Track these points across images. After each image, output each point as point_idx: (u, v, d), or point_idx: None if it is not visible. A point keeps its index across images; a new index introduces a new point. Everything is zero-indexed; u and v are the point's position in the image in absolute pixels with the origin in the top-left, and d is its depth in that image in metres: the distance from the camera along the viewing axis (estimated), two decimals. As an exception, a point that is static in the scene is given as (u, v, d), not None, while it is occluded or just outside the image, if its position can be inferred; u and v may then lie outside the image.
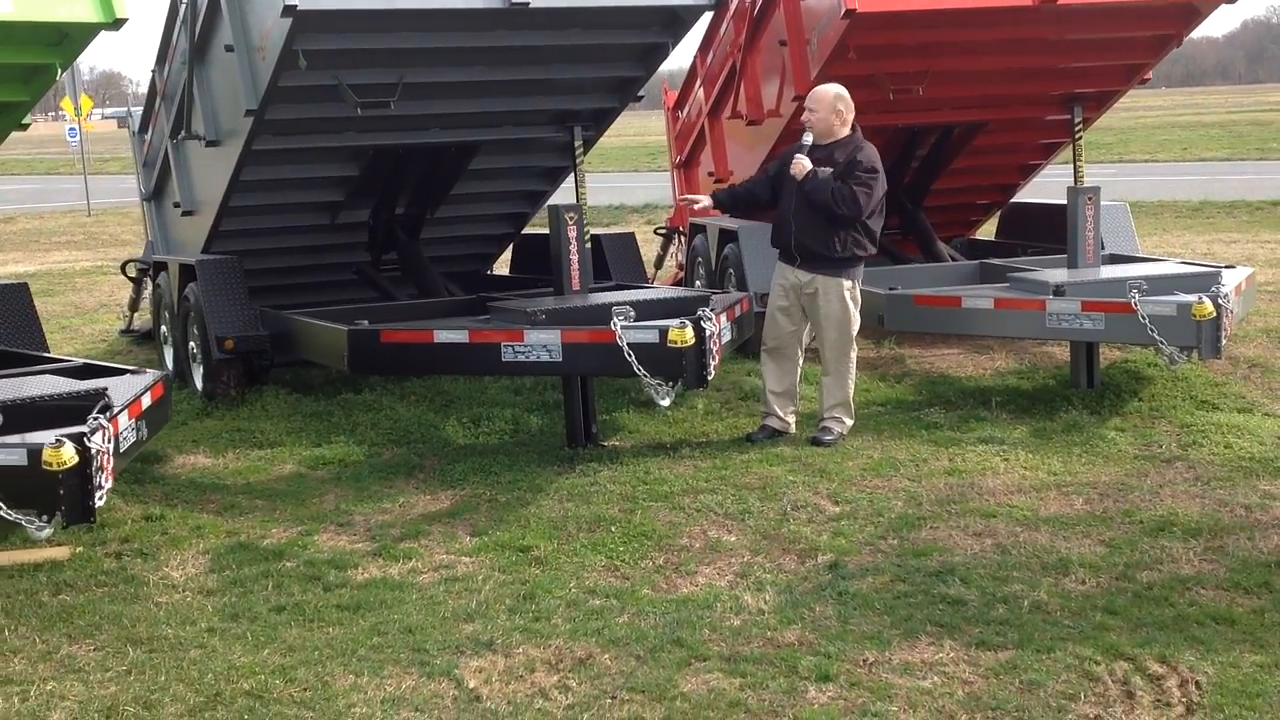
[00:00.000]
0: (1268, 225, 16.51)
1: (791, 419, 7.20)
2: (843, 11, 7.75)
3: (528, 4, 7.00)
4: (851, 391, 7.18)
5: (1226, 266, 8.17)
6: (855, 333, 7.14)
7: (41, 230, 22.78)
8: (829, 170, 6.86)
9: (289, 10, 6.60)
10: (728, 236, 9.37)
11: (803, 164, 6.90)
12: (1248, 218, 17.49)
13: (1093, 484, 6.17)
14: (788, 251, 7.08)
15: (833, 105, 6.97)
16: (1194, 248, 14.34)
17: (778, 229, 7.15)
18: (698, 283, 9.94)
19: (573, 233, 7.58)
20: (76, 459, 4.85)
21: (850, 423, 7.16)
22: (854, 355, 7.17)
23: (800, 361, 7.24)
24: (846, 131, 7.02)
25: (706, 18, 9.03)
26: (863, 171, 6.87)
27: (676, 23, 7.77)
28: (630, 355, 6.32)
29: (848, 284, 7.04)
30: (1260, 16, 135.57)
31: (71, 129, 32.32)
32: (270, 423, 7.81)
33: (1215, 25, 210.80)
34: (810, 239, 6.95)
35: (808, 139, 7.01)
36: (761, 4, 9.16)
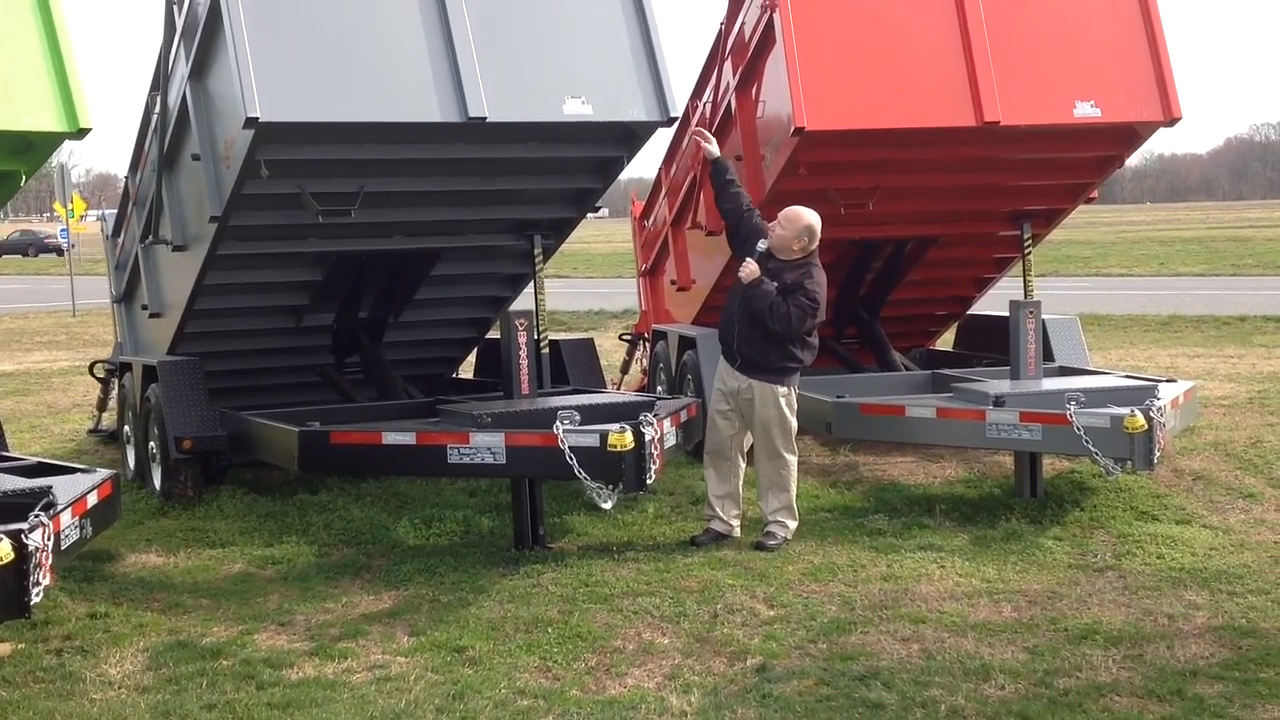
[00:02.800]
0: (1232, 339, 16.76)
1: (736, 522, 7.30)
2: (792, 129, 8.01)
3: (485, 119, 7.21)
4: (793, 495, 7.29)
5: (1167, 380, 8.35)
6: (793, 437, 7.26)
7: (25, 330, 22.97)
8: (773, 285, 7.03)
9: (250, 122, 6.81)
10: (687, 343, 9.56)
11: (751, 268, 7.08)
12: (1214, 332, 17.76)
13: (1023, 591, 6.27)
14: (727, 348, 7.27)
15: (799, 234, 7.11)
16: (1158, 361, 14.56)
17: (723, 326, 7.34)
18: (659, 388, 10.11)
19: (523, 338, 7.76)
20: (13, 555, 4.94)
21: (794, 525, 7.26)
22: (792, 460, 7.27)
23: (742, 465, 7.37)
24: (798, 256, 7.19)
25: (668, 131, 9.31)
26: (805, 296, 7.02)
27: (631, 137, 7.99)
28: (572, 458, 6.45)
29: (782, 390, 7.18)
30: (1244, 134, 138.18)
31: (63, 230, 32.74)
32: (225, 522, 7.90)
33: (1198, 142, 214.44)
34: (747, 344, 7.13)
35: (763, 245, 7.18)
36: (719, 120, 9.45)
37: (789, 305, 6.97)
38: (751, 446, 7.32)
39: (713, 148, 7.58)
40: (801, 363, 7.17)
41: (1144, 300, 22.23)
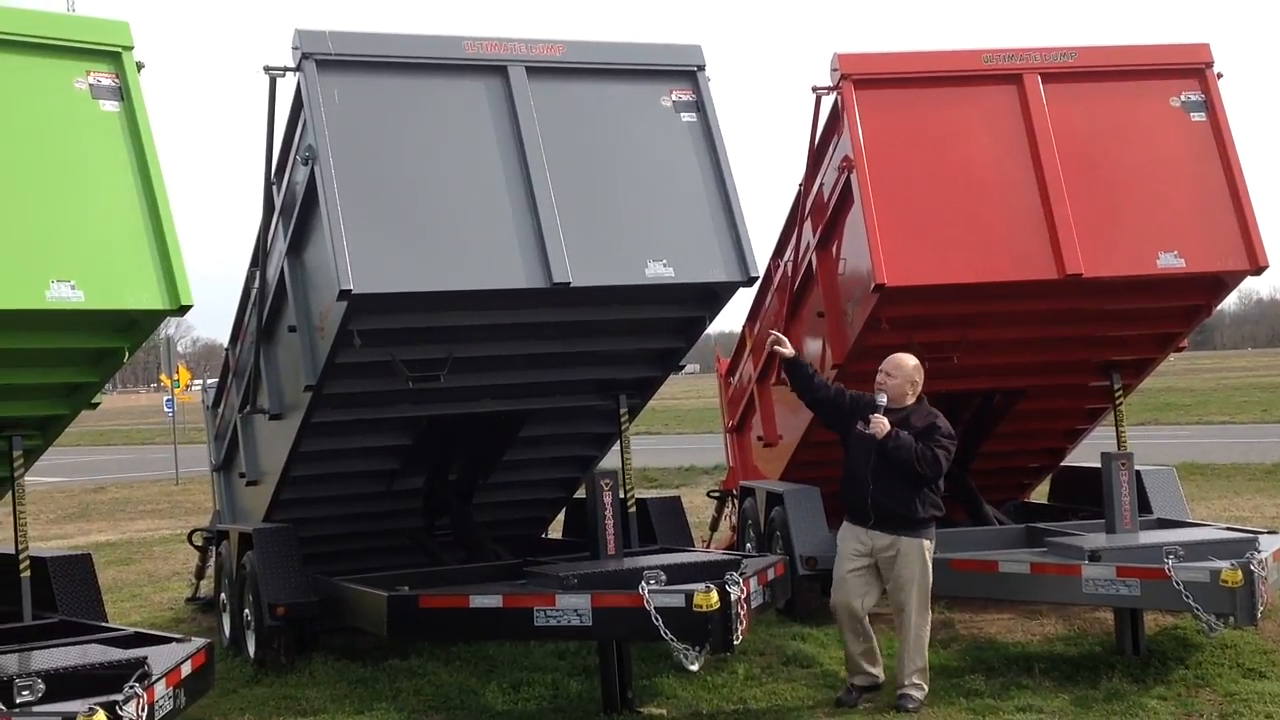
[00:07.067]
0: (1342, 487, 16.27)
1: (878, 670, 7.17)
2: (873, 286, 8.08)
3: (569, 284, 7.38)
4: (927, 656, 7.16)
5: (1268, 532, 8.13)
6: (929, 594, 7.14)
7: (129, 499, 23.47)
8: (908, 434, 7.02)
9: (344, 294, 7.03)
10: (774, 499, 9.53)
11: (883, 424, 7.03)
12: (1322, 480, 17.27)
13: (1127, 754, 6.07)
14: (861, 510, 7.11)
15: (910, 375, 7.24)
16: (1264, 511, 14.15)
17: (852, 487, 7.17)
18: (749, 545, 10.05)
19: (608, 498, 7.79)
20: (109, 726, 5.01)
21: (926, 689, 7.07)
22: (929, 619, 7.18)
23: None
24: (913, 400, 7.24)
25: (751, 289, 9.41)
26: (943, 436, 7.08)
27: (713, 298, 8.11)
28: (658, 620, 6.41)
29: (928, 544, 7.11)
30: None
31: (168, 400, 33.72)
32: (316, 689, 7.92)
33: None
34: (890, 499, 7.04)
35: (882, 399, 7.15)
36: (801, 278, 9.56)
37: (931, 449, 6.97)
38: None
39: (786, 350, 7.53)
40: (940, 511, 7.15)
41: (1247, 448, 21.72)
